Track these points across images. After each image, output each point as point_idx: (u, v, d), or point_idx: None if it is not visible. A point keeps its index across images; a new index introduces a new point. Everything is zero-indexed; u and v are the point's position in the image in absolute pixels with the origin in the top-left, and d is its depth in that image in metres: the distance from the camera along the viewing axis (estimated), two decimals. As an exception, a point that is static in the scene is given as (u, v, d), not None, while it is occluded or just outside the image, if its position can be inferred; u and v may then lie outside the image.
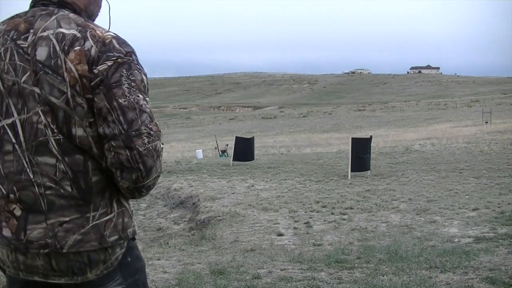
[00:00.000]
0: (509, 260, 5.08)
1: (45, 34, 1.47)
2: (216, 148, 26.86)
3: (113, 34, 1.51)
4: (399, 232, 6.89)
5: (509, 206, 8.17)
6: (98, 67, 1.44)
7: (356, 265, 5.20)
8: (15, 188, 1.51)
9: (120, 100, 1.44)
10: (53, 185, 1.48)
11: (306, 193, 11.00)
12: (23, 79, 1.47)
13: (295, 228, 7.63)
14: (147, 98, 1.49)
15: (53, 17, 1.51)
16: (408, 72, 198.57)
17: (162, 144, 1.58)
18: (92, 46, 1.45)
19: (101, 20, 1.67)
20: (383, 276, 4.77)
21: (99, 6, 1.67)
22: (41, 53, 1.46)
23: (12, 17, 1.57)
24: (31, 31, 1.50)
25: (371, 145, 14.64)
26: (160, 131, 1.52)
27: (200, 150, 25.67)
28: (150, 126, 1.48)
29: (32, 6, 1.58)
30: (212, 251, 6.23)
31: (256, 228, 7.73)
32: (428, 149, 19.61)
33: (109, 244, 1.53)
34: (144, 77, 1.51)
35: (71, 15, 1.52)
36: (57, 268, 1.52)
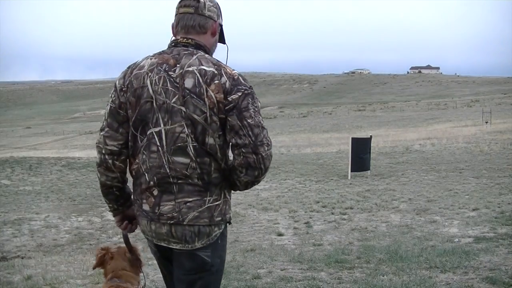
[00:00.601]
0: (509, 260, 5.07)
1: (190, 69, 2.06)
2: (216, 148, 26.87)
3: (237, 72, 2.10)
4: (399, 232, 6.89)
5: (509, 206, 8.16)
6: (231, 96, 2.03)
7: (356, 265, 5.20)
8: (155, 178, 2.09)
9: (249, 120, 2.03)
10: (183, 178, 2.07)
11: (306, 193, 11.01)
12: (173, 100, 2.05)
13: (295, 228, 7.64)
14: (263, 119, 2.10)
15: (194, 56, 2.09)
16: (408, 72, 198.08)
17: None
18: (226, 81, 2.04)
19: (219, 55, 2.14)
20: (383, 276, 4.77)
21: (216, 47, 2.27)
22: (189, 82, 2.04)
23: (160, 53, 2.15)
24: (178, 65, 2.08)
25: (371, 145, 14.65)
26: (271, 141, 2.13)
27: (200, 150, 25.67)
28: (268, 138, 2.09)
29: (174, 45, 2.16)
30: (212, 251, 6.23)
31: (256, 228, 7.73)
32: (428, 149, 19.61)
33: (215, 222, 2.11)
34: (259, 104, 2.12)
35: (206, 55, 2.12)
36: (175, 235, 2.10)
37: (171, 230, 2.09)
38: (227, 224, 2.18)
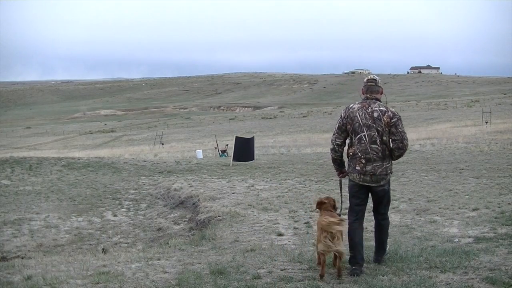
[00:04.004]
0: (509, 260, 5.08)
1: (376, 109, 5.06)
2: (216, 148, 26.86)
3: (394, 109, 5.12)
4: (399, 232, 6.89)
5: (509, 206, 8.16)
6: (392, 120, 5.02)
7: (356, 265, 5.19)
8: (363, 154, 5.05)
9: (399, 129, 5.03)
10: (376, 155, 5.03)
11: (306, 193, 11.01)
12: (369, 122, 5.03)
13: (295, 228, 7.64)
14: (403, 127, 5.14)
15: (376, 104, 5.11)
16: (408, 72, 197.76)
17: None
18: (390, 113, 5.05)
19: None
20: (383, 276, 4.77)
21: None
22: (375, 115, 5.04)
23: (361, 102, 5.15)
24: (370, 107, 5.08)
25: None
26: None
27: (200, 150, 25.67)
28: (407, 136, 5.10)
29: (366, 99, 5.15)
30: (212, 251, 6.22)
31: (256, 228, 7.73)
32: (428, 149, 19.61)
33: (388, 173, 5.12)
34: (403, 122, 5.22)
35: (380, 103, 5.14)
36: (373, 180, 5.07)
37: (372, 178, 5.01)
38: (391, 173, 5.09)
